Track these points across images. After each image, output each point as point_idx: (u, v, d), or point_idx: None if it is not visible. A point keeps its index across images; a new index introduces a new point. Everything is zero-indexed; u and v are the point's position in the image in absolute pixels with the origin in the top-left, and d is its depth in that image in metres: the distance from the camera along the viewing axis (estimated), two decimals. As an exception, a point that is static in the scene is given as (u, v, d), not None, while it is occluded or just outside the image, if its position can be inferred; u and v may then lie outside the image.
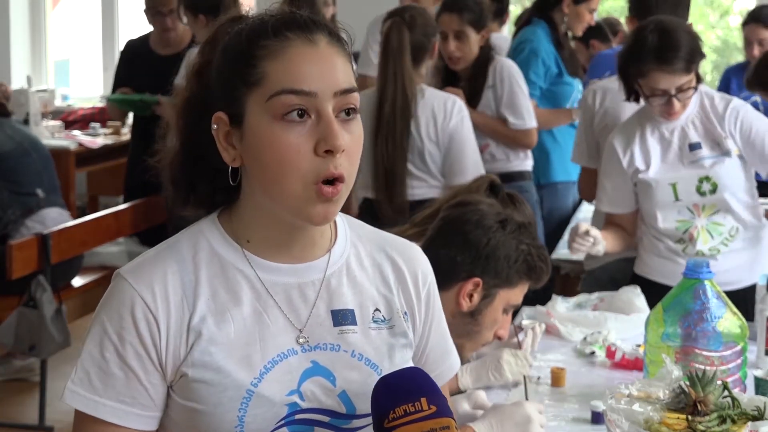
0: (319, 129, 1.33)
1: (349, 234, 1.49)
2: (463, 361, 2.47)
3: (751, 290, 2.95)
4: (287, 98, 1.32)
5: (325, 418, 1.39)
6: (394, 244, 1.53)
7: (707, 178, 3.01)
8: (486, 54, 4.12)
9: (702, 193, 3.02)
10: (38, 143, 4.82)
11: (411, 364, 1.49)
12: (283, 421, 1.37)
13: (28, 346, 4.19)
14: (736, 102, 3.07)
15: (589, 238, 3.02)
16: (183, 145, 1.43)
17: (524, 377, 2.26)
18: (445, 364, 1.59)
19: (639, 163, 3.07)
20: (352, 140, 1.35)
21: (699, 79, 3.00)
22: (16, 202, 4.57)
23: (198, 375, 1.35)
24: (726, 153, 3.01)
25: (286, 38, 1.35)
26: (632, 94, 3.08)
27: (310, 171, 1.32)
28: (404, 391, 1.31)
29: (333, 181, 1.33)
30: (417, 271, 1.52)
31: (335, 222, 1.48)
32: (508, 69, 4.12)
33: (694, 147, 3.02)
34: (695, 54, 2.94)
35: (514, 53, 4.63)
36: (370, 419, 1.40)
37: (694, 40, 2.97)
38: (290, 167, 1.32)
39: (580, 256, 3.10)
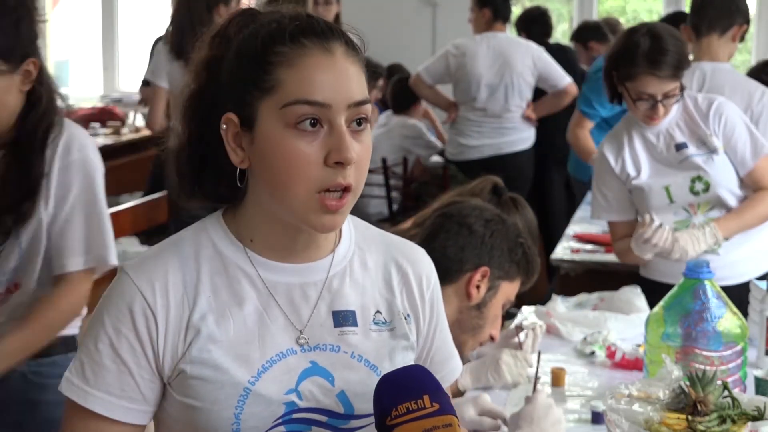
0: (331, 140, 1.33)
1: (354, 236, 1.49)
2: (464, 359, 2.47)
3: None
4: (301, 108, 1.32)
5: (323, 418, 1.39)
6: (399, 247, 1.53)
7: (699, 178, 3.02)
8: None
9: (695, 193, 3.03)
10: None
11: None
12: (280, 420, 1.37)
13: (28, 346, 4.18)
14: (719, 101, 3.08)
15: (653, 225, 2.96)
16: (190, 139, 1.43)
17: (536, 375, 2.25)
18: (448, 367, 1.59)
19: (630, 169, 3.09)
20: (362, 150, 1.35)
21: (682, 87, 3.01)
22: None
23: (196, 372, 1.36)
24: (713, 150, 3.03)
25: (302, 46, 1.34)
26: (615, 97, 3.09)
27: (317, 180, 1.33)
28: (407, 388, 1.31)
29: (341, 192, 1.34)
30: (422, 274, 1.52)
31: None
32: None
33: (680, 147, 3.04)
34: (683, 61, 2.98)
35: (594, 73, 4.69)
36: (368, 420, 1.40)
37: (682, 47, 3.00)
38: (299, 175, 1.32)
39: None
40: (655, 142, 3.07)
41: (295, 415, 1.37)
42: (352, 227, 1.50)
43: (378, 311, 1.46)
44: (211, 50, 1.41)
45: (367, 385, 1.39)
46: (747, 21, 3.74)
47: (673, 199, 3.05)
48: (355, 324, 1.43)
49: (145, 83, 6.66)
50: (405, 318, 1.48)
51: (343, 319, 1.43)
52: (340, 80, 1.34)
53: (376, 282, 1.47)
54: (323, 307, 1.42)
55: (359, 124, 1.35)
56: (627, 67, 2.97)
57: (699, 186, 3.03)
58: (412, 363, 1.48)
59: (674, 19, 4.41)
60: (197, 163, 1.43)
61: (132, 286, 1.38)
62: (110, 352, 1.37)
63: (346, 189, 1.34)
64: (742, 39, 3.80)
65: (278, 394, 1.37)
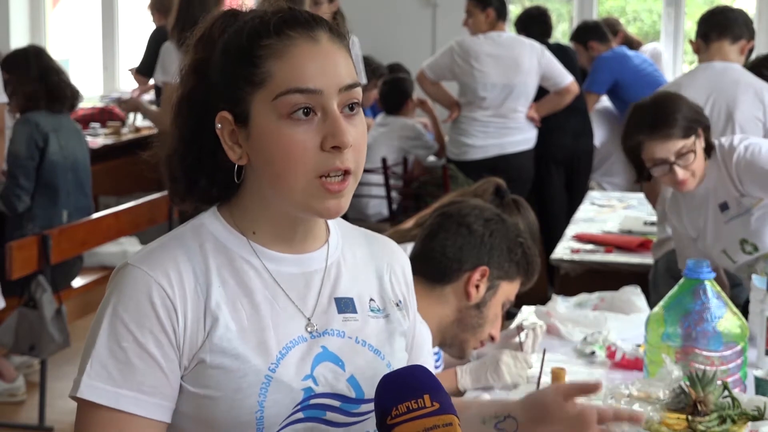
0: (325, 126, 1.35)
1: (339, 229, 1.52)
2: (465, 359, 2.47)
3: None
4: (293, 97, 1.34)
5: (336, 403, 1.40)
6: (377, 239, 1.58)
7: (745, 241, 3.04)
8: None
9: (749, 253, 3.05)
10: (80, 163, 4.78)
11: (406, 353, 1.53)
12: (299, 406, 1.37)
13: (28, 347, 4.19)
14: (738, 152, 2.98)
15: None
16: (183, 141, 1.43)
17: (540, 372, 2.24)
18: (424, 349, 1.65)
19: (692, 231, 3.12)
20: (357, 134, 1.37)
21: (711, 147, 2.96)
22: (43, 218, 4.56)
23: (216, 361, 1.35)
24: (747, 211, 3.00)
25: (288, 36, 1.36)
26: (644, 173, 3.02)
27: (316, 166, 1.34)
28: (407, 387, 1.32)
29: (342, 175, 1.35)
30: (404, 264, 1.58)
31: None
32: None
33: (723, 208, 3.04)
34: (693, 121, 2.92)
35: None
36: None
37: (693, 110, 2.94)
38: (297, 163, 1.34)
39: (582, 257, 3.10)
40: (706, 204, 3.06)
41: (312, 401, 1.38)
42: (334, 222, 1.51)
43: (372, 299, 1.49)
44: (196, 53, 1.42)
45: (374, 368, 1.42)
46: (753, 38, 3.77)
47: (735, 260, 3.08)
48: (354, 311, 1.46)
49: (140, 71, 6.66)
50: (397, 305, 1.52)
51: (344, 305, 1.45)
52: (328, 66, 1.36)
53: (366, 271, 1.51)
54: (326, 295, 1.45)
55: (351, 108, 1.37)
56: (633, 136, 2.95)
57: (748, 247, 3.05)
58: (405, 349, 1.52)
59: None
60: (191, 166, 1.43)
61: (147, 278, 1.35)
62: (136, 348, 1.33)
63: (346, 172, 1.35)
64: (748, 57, 3.81)
65: (297, 380, 1.37)
